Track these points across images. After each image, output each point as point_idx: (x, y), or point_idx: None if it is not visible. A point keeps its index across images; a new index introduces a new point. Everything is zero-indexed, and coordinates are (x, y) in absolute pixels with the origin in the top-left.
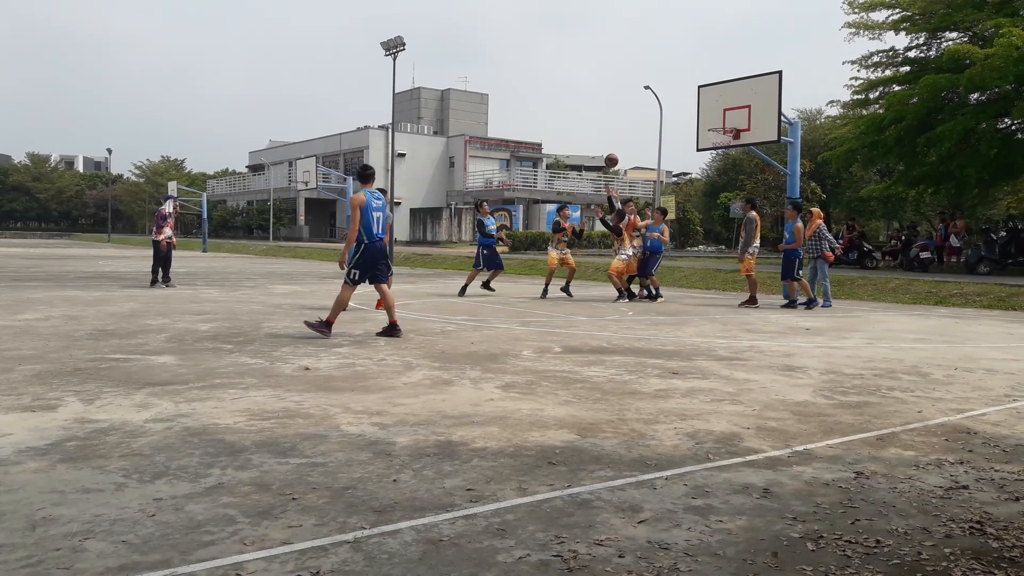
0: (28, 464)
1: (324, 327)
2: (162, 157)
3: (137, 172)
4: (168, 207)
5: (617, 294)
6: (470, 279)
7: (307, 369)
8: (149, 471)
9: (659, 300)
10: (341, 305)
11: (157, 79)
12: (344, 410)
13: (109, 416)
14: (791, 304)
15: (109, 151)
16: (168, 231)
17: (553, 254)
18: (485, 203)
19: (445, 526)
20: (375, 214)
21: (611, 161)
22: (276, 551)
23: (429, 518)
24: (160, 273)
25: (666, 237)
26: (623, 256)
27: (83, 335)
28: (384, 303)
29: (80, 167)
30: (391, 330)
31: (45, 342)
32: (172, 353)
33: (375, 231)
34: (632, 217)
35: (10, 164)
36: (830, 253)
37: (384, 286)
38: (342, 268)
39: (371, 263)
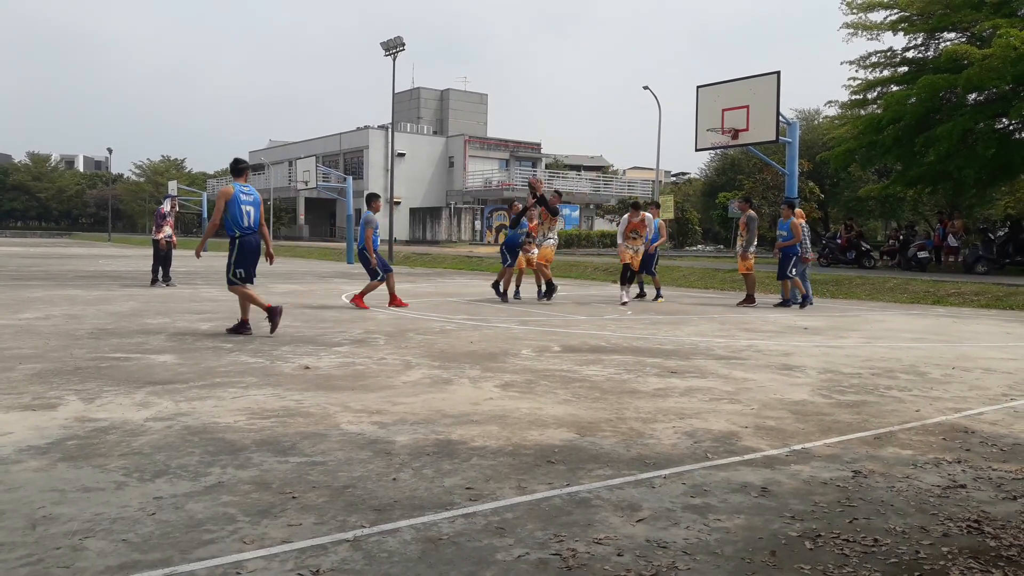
0: (28, 463)
1: (242, 327)
2: (162, 156)
3: (137, 171)
4: (166, 206)
5: (547, 287)
6: (514, 279)
7: (307, 368)
8: (149, 470)
9: (659, 300)
10: (250, 300)
11: (157, 79)
12: (344, 409)
13: (109, 415)
14: (785, 303)
15: (109, 150)
16: (168, 230)
17: (521, 257)
18: (517, 204)
19: (444, 525)
20: (244, 207)
21: (531, 187)
22: (276, 550)
23: (428, 517)
24: (160, 272)
25: (664, 235)
26: (549, 241)
27: (83, 334)
28: (250, 298)
29: (80, 166)
30: (241, 327)
31: (45, 341)
32: (172, 352)
33: (245, 224)
34: (635, 220)
35: (10, 163)
36: (806, 255)
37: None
38: (198, 257)
39: (251, 257)
